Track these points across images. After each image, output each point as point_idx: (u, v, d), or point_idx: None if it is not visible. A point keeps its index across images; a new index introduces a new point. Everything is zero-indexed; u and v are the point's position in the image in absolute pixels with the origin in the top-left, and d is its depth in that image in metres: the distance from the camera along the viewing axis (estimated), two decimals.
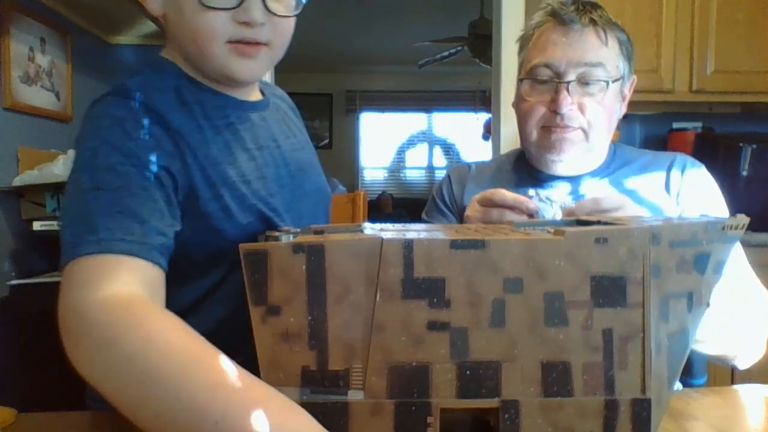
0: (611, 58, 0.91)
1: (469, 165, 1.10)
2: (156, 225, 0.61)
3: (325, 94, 6.11)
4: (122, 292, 0.54)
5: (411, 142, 6.34)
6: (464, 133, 6.29)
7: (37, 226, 1.66)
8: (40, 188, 1.73)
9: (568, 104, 0.89)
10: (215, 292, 0.73)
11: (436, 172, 6.37)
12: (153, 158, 0.65)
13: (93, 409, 0.71)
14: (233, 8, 0.67)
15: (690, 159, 0.97)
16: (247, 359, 0.49)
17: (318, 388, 0.48)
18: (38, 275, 1.66)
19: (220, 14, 0.67)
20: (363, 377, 0.48)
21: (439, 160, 6.38)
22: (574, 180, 0.96)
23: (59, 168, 1.75)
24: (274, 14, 0.69)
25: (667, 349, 0.52)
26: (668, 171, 0.95)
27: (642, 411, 0.49)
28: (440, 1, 4.13)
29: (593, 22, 0.90)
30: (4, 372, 0.88)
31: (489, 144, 4.84)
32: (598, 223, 0.55)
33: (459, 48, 4.31)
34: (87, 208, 0.60)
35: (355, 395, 0.48)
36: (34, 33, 1.93)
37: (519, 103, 0.96)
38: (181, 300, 0.68)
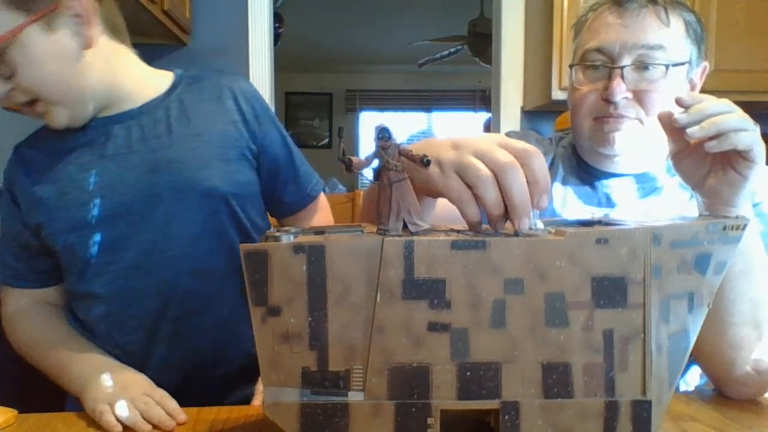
0: (675, 41, 0.81)
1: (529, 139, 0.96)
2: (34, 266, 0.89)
3: (325, 93, 6.11)
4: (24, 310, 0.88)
5: (411, 142, 6.32)
6: (464, 133, 6.30)
7: None
8: None
9: (622, 92, 0.80)
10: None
11: None
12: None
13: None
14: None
15: None
16: None
17: (318, 389, 0.48)
18: None
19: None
20: (363, 378, 0.48)
21: None
22: (639, 177, 0.87)
23: None
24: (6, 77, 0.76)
25: (668, 350, 0.52)
26: None
27: (642, 412, 0.49)
28: (440, 0, 4.13)
29: (653, 1, 0.82)
30: (4, 372, 0.88)
31: None
32: (599, 223, 0.55)
33: (459, 47, 4.31)
34: None
35: (355, 396, 0.48)
36: None
37: (571, 92, 0.88)
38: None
